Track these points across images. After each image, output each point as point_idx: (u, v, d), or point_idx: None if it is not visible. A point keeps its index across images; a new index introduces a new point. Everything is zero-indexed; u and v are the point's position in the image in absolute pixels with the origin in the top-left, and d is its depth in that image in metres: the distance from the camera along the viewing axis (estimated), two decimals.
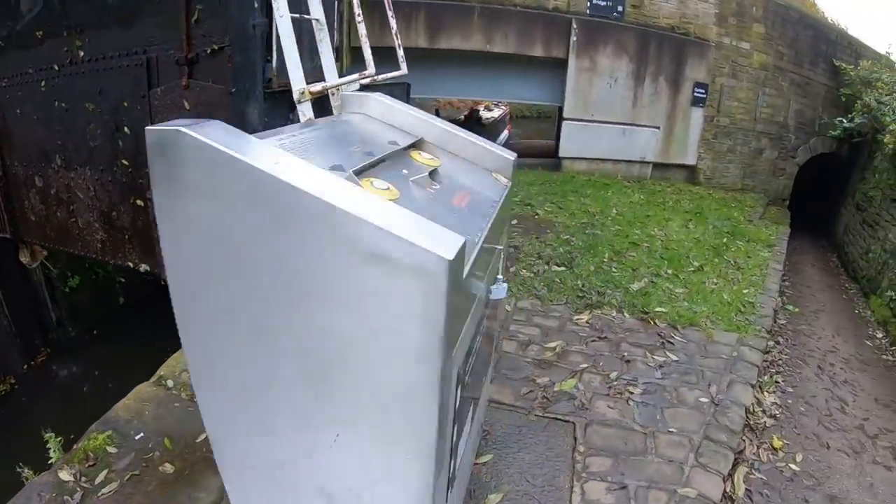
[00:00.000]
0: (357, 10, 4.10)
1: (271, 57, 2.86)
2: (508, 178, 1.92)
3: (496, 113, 14.73)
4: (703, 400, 3.05)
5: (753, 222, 7.33)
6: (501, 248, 1.65)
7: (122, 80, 2.95)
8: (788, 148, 9.02)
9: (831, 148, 9.21)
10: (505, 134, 16.56)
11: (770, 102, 8.63)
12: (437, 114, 13.84)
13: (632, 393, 3.04)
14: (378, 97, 1.98)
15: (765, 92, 8.54)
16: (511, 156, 1.94)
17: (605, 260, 4.93)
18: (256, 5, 2.83)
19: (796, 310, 5.66)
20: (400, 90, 5.47)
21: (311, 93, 2.05)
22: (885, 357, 4.94)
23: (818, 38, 8.80)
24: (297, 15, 3.19)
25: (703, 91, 7.93)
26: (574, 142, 7.67)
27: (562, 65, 7.52)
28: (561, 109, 7.70)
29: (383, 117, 1.92)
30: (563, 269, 4.64)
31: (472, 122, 13.25)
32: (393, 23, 3.39)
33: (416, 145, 1.81)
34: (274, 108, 2.99)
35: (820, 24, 8.91)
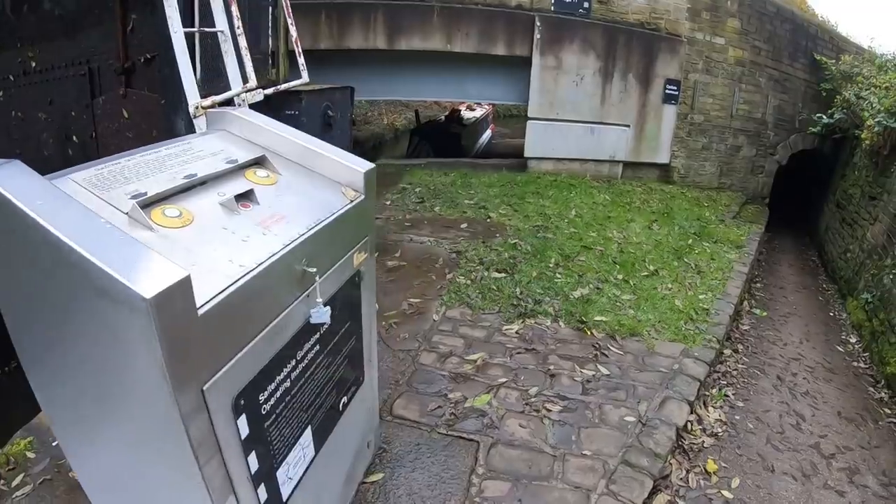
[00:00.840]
0: (289, 17, 3.88)
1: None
2: (360, 191, 1.79)
3: (478, 113, 14.51)
4: (629, 419, 2.77)
5: (725, 222, 7.05)
6: (314, 270, 1.48)
7: (69, 90, 3.06)
8: (767, 145, 8.74)
9: (812, 144, 8.92)
10: (487, 134, 16.36)
11: (747, 99, 8.36)
12: (418, 114, 13.62)
13: (549, 411, 2.78)
14: (237, 112, 1.89)
15: (741, 88, 8.27)
16: (363, 167, 1.82)
17: (551, 265, 4.67)
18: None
19: (764, 314, 5.38)
20: (342, 94, 5.25)
21: (202, 107, 2.06)
22: (855, 364, 4.65)
23: (797, 32, 8.54)
24: (194, 29, 2.99)
25: (675, 88, 7.67)
26: (540, 142, 7.42)
27: (526, 63, 7.28)
28: (525, 114, 7.45)
29: (241, 133, 1.80)
30: (503, 275, 4.38)
31: (453, 123, 13.05)
32: (293, 30, 3.19)
33: (260, 162, 1.69)
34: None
35: (799, 18, 8.64)
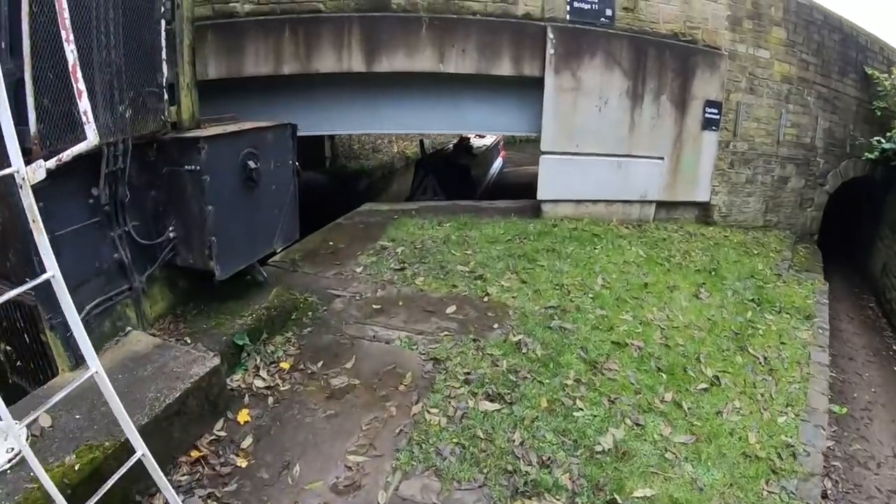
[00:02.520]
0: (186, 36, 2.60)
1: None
2: None
3: (488, 140, 13.16)
4: None
5: (783, 276, 5.75)
6: None
7: None
8: (817, 174, 7.46)
9: (864, 171, 7.67)
10: (499, 162, 14.96)
11: (795, 121, 7.07)
12: (423, 144, 12.24)
13: None
14: None
15: (788, 109, 6.98)
16: None
17: (569, 383, 3.32)
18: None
19: (843, 410, 4.10)
20: (277, 135, 3.82)
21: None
22: None
23: (847, 43, 7.28)
24: None
25: (715, 111, 6.36)
26: (556, 181, 6.06)
27: (537, 85, 5.94)
28: (539, 140, 6.11)
29: None
30: (496, 406, 3.03)
31: (462, 152, 11.70)
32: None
33: None
34: (61, 186, 2.50)
35: (847, 27, 7.37)
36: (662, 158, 6.24)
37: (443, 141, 14.29)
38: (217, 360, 2.87)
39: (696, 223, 6.77)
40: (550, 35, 5.76)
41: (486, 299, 4.37)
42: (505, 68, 5.79)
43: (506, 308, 4.24)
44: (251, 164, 3.46)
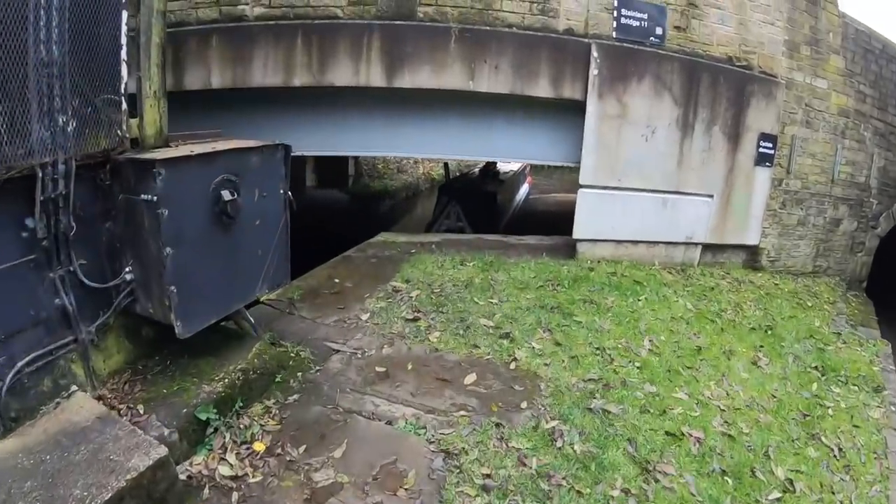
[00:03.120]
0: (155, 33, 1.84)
1: None
2: None
3: (515, 165, 12.49)
4: None
5: (842, 335, 5.09)
6: None
7: None
8: (869, 216, 6.84)
9: None
10: (525, 189, 14.23)
11: (850, 158, 6.46)
12: (447, 167, 11.57)
13: None
14: None
15: (844, 145, 6.36)
16: None
17: (617, 494, 2.64)
18: None
19: None
20: (264, 158, 3.10)
21: None
22: None
23: None
24: None
25: (770, 145, 5.73)
26: (595, 218, 5.40)
27: (578, 109, 5.29)
28: (577, 171, 5.45)
29: None
30: None
31: (487, 178, 11.03)
32: None
33: None
34: None
35: None
36: (712, 196, 5.58)
37: (468, 163, 13.69)
38: (164, 451, 2.19)
39: (743, 268, 6.11)
40: (595, 54, 5.12)
41: (512, 366, 3.67)
42: (542, 89, 5.14)
43: (537, 379, 3.54)
44: (226, 194, 2.76)
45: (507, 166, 11.65)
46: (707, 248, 5.83)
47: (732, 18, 5.60)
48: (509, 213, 10.70)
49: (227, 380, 2.89)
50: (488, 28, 5.11)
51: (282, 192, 3.26)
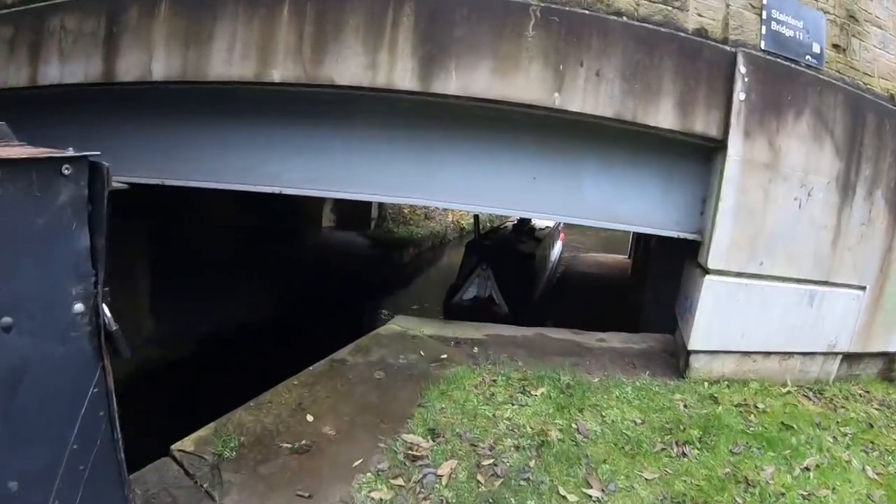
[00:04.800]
0: None
1: None
2: None
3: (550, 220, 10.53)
4: None
5: None
6: None
7: None
8: None
9: None
10: (558, 247, 12.16)
11: None
12: (477, 220, 9.40)
13: None
14: None
15: None
16: None
17: None
18: None
19: None
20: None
21: None
22: None
23: None
24: None
25: None
26: (725, 320, 3.52)
27: (707, 151, 3.45)
28: (697, 247, 3.59)
29: None
30: None
31: (522, 235, 8.95)
32: None
33: None
34: None
35: None
36: (864, 288, 3.89)
37: (494, 224, 11.78)
38: None
39: (879, 381, 4.48)
40: (742, 68, 3.30)
41: None
42: (664, 116, 3.24)
43: None
44: None
45: (542, 222, 9.69)
46: (846, 357, 4.13)
47: (894, 43, 4.00)
48: (545, 278, 8.81)
49: None
50: (587, 12, 3.16)
51: (80, 288, 1.15)
